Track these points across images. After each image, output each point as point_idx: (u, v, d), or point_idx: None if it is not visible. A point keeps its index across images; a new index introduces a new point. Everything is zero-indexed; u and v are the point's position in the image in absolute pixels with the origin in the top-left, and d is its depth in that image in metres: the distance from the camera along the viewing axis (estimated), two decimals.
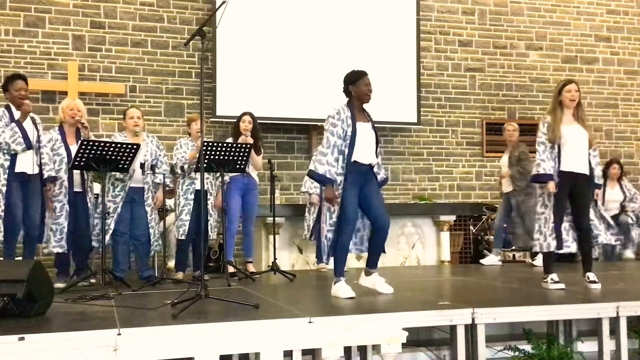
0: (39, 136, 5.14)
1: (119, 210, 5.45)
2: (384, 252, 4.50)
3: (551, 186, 4.71)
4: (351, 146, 4.30)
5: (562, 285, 4.69)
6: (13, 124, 4.96)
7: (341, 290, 4.27)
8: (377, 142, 4.44)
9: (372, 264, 4.50)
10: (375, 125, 4.49)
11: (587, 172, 4.82)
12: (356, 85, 4.38)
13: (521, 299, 4.44)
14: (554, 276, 4.76)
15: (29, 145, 5.00)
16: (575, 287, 4.71)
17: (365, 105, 4.46)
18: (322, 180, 4.30)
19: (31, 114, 5.15)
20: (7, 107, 5.09)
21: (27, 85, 5.19)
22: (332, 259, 4.41)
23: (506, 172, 6.97)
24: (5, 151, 4.95)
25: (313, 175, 4.34)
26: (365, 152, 4.34)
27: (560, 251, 4.81)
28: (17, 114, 5.05)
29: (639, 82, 10.01)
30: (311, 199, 6.46)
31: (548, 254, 4.82)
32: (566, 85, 4.84)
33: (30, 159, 5.04)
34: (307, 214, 6.56)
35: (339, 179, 4.28)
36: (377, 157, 4.46)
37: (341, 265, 4.36)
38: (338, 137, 4.29)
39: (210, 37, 7.62)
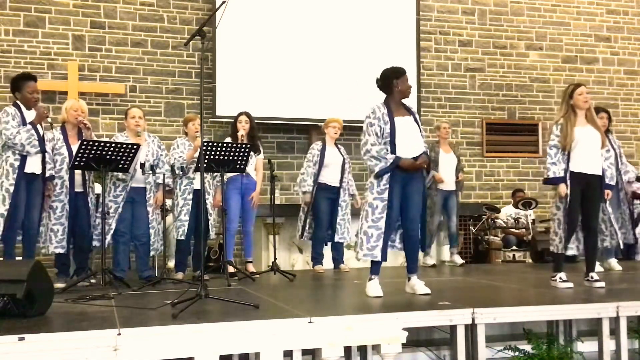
0: (43, 136, 5.16)
1: (120, 210, 5.45)
2: (424, 251, 4.56)
3: (562, 189, 4.72)
4: (392, 143, 4.27)
5: (570, 285, 4.71)
6: (29, 126, 4.99)
7: (370, 288, 4.32)
8: (421, 132, 4.40)
9: (408, 269, 4.48)
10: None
11: (600, 173, 4.82)
12: (402, 80, 4.40)
13: (521, 299, 4.44)
14: (563, 275, 4.79)
15: (42, 149, 5.07)
16: (575, 287, 4.71)
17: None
18: (393, 162, 4.21)
19: None
20: (17, 106, 5.10)
21: (37, 85, 5.24)
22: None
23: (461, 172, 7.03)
24: (17, 151, 4.98)
25: (383, 171, 4.21)
26: (408, 146, 4.28)
27: (568, 253, 4.86)
28: (27, 114, 5.08)
29: (639, 82, 10.01)
30: (304, 198, 6.42)
31: (559, 254, 4.84)
32: (578, 88, 4.83)
33: (40, 160, 5.10)
34: (301, 213, 6.50)
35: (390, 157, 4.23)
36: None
37: (376, 264, 4.34)
38: (376, 135, 4.28)
39: (210, 37, 7.62)
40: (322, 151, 6.46)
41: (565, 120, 4.79)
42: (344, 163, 6.53)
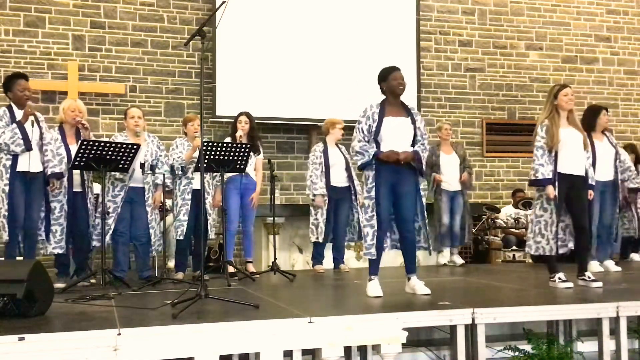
0: (41, 134, 5.11)
1: (118, 210, 5.45)
2: (430, 253, 4.55)
3: (550, 191, 4.72)
4: (377, 143, 4.30)
5: (570, 284, 4.70)
6: (14, 125, 4.94)
7: (370, 288, 4.33)
8: (416, 135, 4.36)
9: (407, 269, 4.48)
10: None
11: (583, 173, 4.86)
12: (387, 82, 4.40)
13: (521, 299, 4.44)
14: (562, 275, 4.78)
15: (28, 147, 4.97)
16: (575, 287, 4.71)
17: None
18: (373, 155, 4.26)
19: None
20: (9, 107, 5.08)
21: (29, 84, 5.20)
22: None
23: (466, 172, 7.02)
24: (5, 152, 4.96)
25: (365, 163, 4.29)
26: (392, 146, 4.28)
27: (561, 251, 4.86)
28: (18, 114, 5.05)
29: (639, 82, 10.01)
30: (315, 201, 6.31)
31: (550, 255, 4.84)
32: (563, 89, 4.85)
33: (33, 158, 5.02)
34: (318, 216, 6.33)
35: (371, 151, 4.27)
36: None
37: (374, 264, 4.35)
38: (363, 133, 4.33)
39: (210, 37, 7.62)
40: (325, 152, 6.43)
41: (550, 121, 4.80)
42: (347, 163, 6.50)
